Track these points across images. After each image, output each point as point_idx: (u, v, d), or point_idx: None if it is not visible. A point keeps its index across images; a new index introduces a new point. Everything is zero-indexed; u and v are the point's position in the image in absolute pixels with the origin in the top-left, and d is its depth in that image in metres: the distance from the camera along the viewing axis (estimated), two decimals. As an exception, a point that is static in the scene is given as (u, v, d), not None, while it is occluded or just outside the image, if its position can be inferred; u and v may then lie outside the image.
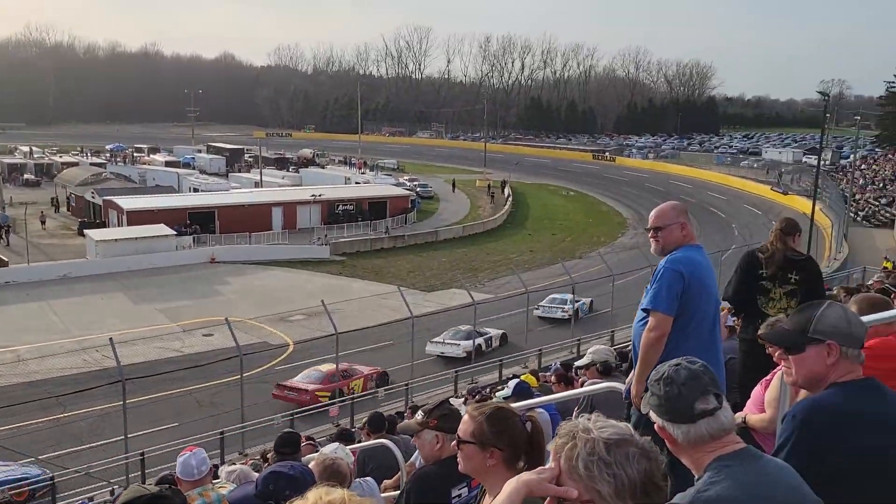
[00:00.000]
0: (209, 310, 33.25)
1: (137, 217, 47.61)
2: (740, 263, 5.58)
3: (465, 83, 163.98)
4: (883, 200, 54.89)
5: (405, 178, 77.87)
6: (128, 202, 50.79)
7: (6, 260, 40.35)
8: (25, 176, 73.48)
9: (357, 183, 69.79)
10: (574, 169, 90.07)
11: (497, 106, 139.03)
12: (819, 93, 65.38)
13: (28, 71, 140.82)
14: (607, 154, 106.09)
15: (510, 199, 68.73)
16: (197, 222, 49.86)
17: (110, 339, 19.74)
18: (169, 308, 34.31)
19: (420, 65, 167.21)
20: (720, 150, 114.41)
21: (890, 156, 70.63)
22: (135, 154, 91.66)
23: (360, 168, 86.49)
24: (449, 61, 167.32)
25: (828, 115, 52.48)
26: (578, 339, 26.63)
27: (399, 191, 64.73)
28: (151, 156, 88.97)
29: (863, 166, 68.55)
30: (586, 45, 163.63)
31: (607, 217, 64.12)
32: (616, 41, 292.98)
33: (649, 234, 4.12)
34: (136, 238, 43.32)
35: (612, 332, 27.03)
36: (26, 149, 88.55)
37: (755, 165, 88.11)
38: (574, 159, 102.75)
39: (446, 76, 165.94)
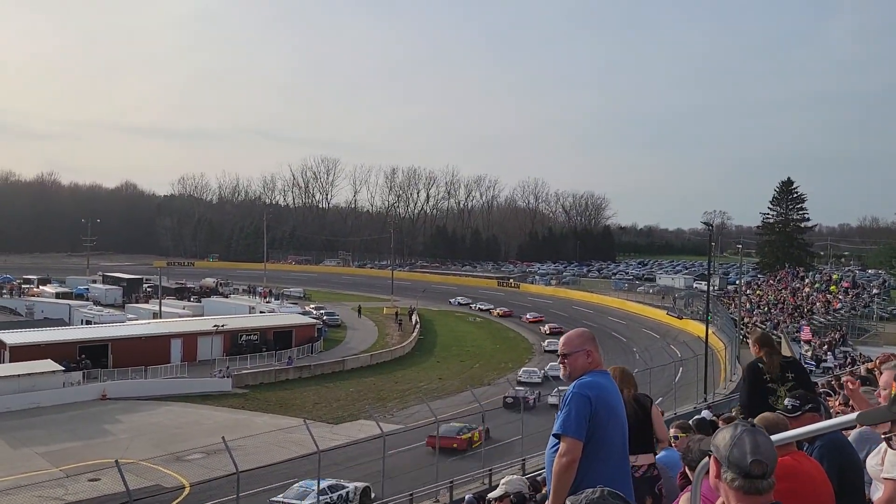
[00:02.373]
0: (98, 451, 30.93)
1: (22, 352, 44.65)
2: (747, 376, 6.56)
3: (372, 212, 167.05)
4: (769, 324, 58.11)
5: (311, 306, 77.02)
6: (11, 336, 47.77)
7: None
8: None
9: (262, 312, 68.42)
10: (480, 295, 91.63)
11: (403, 234, 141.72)
12: (703, 223, 70.16)
13: None
14: (511, 281, 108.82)
15: (418, 326, 68.81)
16: (88, 356, 47.22)
17: (-18, 488, 17.94)
18: (51, 451, 31.67)
19: (327, 195, 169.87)
20: (617, 276, 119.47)
21: (771, 281, 75.56)
22: (23, 285, 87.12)
23: (265, 297, 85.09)
24: (356, 191, 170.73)
25: (713, 243, 56.11)
26: (490, 469, 26.10)
27: (305, 319, 63.77)
28: (41, 287, 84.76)
29: (748, 291, 72.85)
30: (488, 177, 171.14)
31: (514, 343, 64.91)
32: (515, 174, 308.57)
33: (559, 361, 4.28)
34: (18, 375, 40.41)
35: (524, 459, 26.71)
36: None
37: (651, 291, 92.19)
38: (480, 286, 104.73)
39: (353, 206, 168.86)
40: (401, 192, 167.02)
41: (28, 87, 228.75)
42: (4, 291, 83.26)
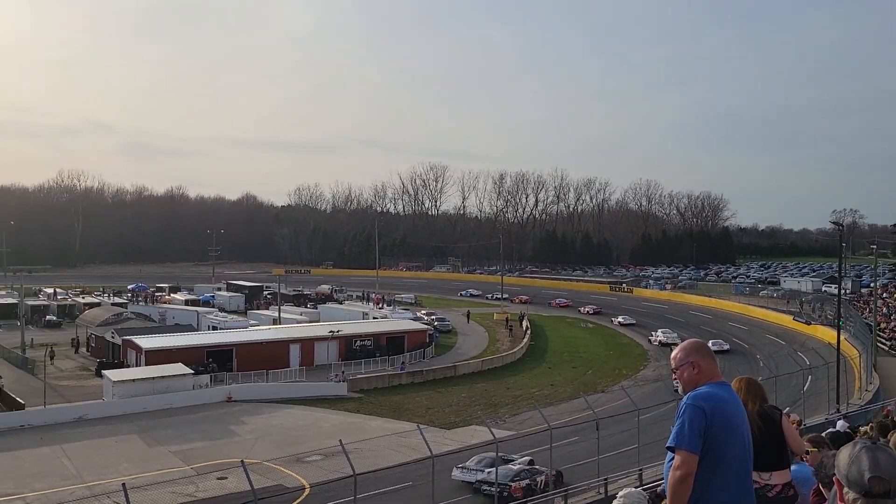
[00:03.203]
0: (224, 451, 32.52)
1: (156, 356, 47.63)
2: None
3: (481, 218, 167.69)
4: (908, 328, 53.96)
5: (423, 312, 78.12)
6: (146, 341, 50.99)
7: (22, 403, 40.10)
8: (47, 318, 74.49)
9: (375, 318, 69.97)
10: (592, 300, 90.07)
11: (512, 239, 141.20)
12: (832, 223, 66.05)
13: (57, 215, 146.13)
14: (624, 285, 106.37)
15: (528, 331, 68.38)
16: (215, 360, 49.78)
17: (123, 484, 19.15)
18: (183, 450, 33.57)
19: (436, 201, 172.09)
20: (738, 279, 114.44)
21: (910, 283, 70.16)
22: (156, 293, 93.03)
23: (377, 303, 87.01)
24: (464, 198, 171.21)
25: (843, 244, 52.70)
26: (605, 479, 25.51)
27: (417, 325, 64.72)
28: (172, 295, 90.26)
29: (884, 294, 67.92)
30: (598, 179, 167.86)
31: (628, 349, 63.35)
32: (627, 176, 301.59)
33: (673, 378, 4.20)
34: (154, 378, 43.09)
35: (640, 469, 25.92)
36: (50, 290, 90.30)
37: (774, 295, 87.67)
38: (591, 291, 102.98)
39: (462, 212, 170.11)
40: (509, 197, 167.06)
41: (161, 108, 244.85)
42: (140, 299, 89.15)
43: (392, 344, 58.33)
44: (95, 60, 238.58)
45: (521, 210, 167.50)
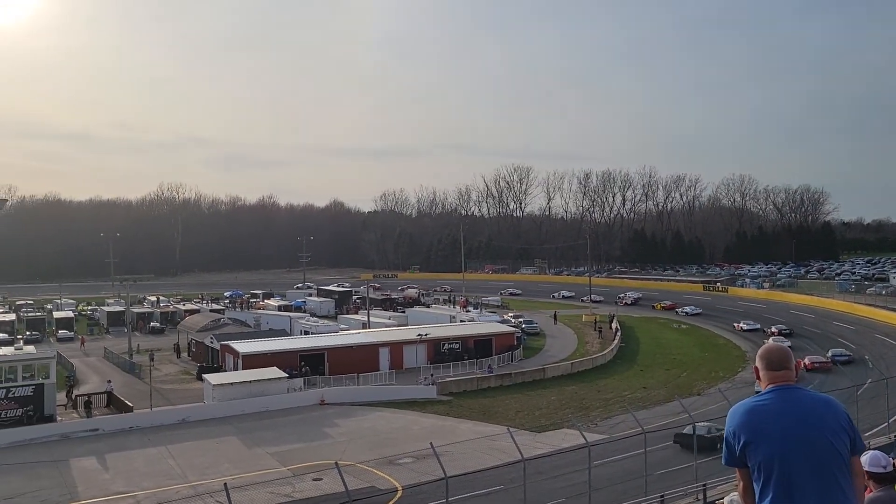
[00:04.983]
0: (319, 453, 33.19)
1: (252, 360, 49.15)
2: None
3: (567, 219, 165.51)
4: None
5: (509, 314, 77.67)
6: (243, 346, 52.65)
7: (131, 406, 42.21)
8: (151, 324, 78.32)
9: (462, 321, 70.03)
10: (684, 301, 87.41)
11: (600, 239, 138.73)
12: (946, 213, 61.82)
13: (159, 226, 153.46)
14: (719, 284, 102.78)
15: (618, 333, 66.93)
16: (308, 364, 50.96)
17: (224, 484, 19.80)
18: (280, 451, 34.49)
19: (521, 203, 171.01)
20: (842, 276, 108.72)
21: None
22: (250, 299, 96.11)
23: (463, 306, 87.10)
24: (549, 198, 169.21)
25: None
26: (704, 485, 24.61)
27: (504, 328, 64.37)
28: (265, 301, 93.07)
29: None
30: (688, 176, 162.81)
31: (724, 350, 61.12)
32: (718, 171, 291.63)
33: None
34: (251, 381, 44.45)
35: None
36: (153, 298, 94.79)
37: (884, 292, 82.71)
38: (683, 291, 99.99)
39: (547, 213, 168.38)
40: (595, 196, 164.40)
41: (252, 120, 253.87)
42: (236, 305, 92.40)
43: (480, 347, 58.23)
44: (190, 77, 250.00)
45: (607, 209, 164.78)
